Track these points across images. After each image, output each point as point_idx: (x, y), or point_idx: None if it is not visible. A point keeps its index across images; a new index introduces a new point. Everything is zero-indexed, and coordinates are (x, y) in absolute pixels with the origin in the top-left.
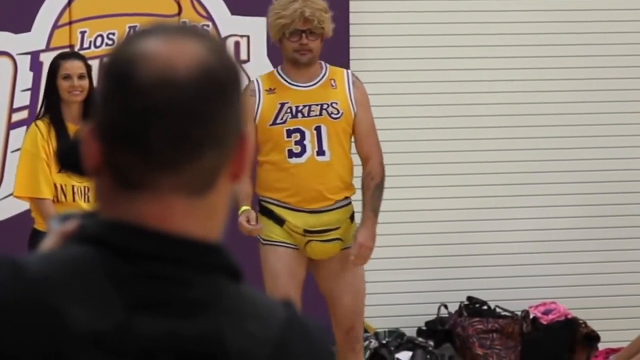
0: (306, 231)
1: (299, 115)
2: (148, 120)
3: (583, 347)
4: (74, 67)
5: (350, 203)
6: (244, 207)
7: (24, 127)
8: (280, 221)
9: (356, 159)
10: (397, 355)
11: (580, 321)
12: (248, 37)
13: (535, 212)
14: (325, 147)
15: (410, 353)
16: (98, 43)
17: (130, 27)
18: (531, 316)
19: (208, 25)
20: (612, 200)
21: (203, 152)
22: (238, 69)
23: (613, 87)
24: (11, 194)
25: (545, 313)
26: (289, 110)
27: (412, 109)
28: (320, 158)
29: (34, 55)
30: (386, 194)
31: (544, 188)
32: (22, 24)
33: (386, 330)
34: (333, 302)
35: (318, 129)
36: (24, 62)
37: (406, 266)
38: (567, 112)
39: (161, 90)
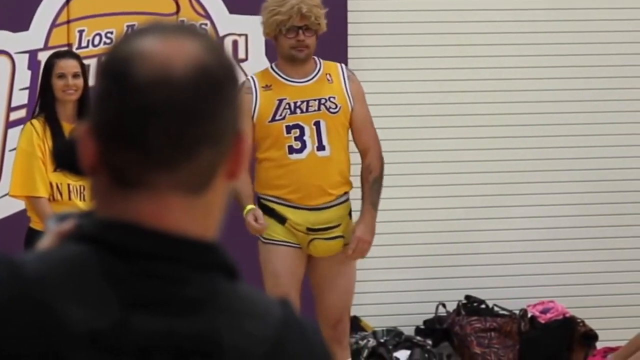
0: (309, 229)
1: (298, 111)
2: (145, 119)
3: (581, 346)
4: (69, 66)
5: (348, 199)
6: (249, 207)
7: (22, 126)
8: (281, 219)
9: (353, 157)
10: (395, 354)
11: (578, 320)
12: (246, 35)
13: (534, 211)
14: (325, 142)
15: (408, 352)
16: (96, 42)
17: (128, 26)
18: (529, 315)
19: (206, 24)
20: (610, 199)
21: (200, 150)
22: (235, 67)
23: (605, 86)
24: (8, 194)
25: (543, 312)
26: (287, 107)
27: (410, 108)
28: (320, 153)
29: (32, 54)
30: (384, 192)
31: (542, 187)
32: (20, 22)
33: (384, 329)
34: (323, 297)
35: (317, 124)
36: (22, 61)
37: (404, 265)
38: (563, 110)
39: (159, 89)
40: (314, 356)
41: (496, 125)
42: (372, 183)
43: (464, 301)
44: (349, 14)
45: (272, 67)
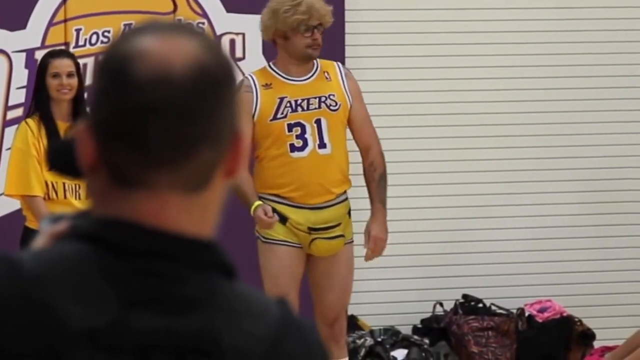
0: (311, 229)
1: (299, 109)
2: (144, 117)
3: (578, 345)
4: (63, 65)
5: (347, 198)
6: (257, 202)
7: (17, 125)
8: (283, 219)
9: (352, 156)
10: (393, 353)
11: (576, 319)
12: (243, 34)
13: (531, 210)
14: (326, 139)
15: (405, 351)
16: (93, 40)
17: (125, 25)
18: (526, 314)
19: (203, 23)
20: (607, 198)
21: (199, 149)
22: (233, 66)
23: (604, 85)
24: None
25: (541, 311)
26: (288, 105)
27: (406, 107)
28: (322, 151)
29: (29, 53)
30: None
31: (539, 186)
32: (17, 21)
33: (381, 328)
34: (320, 296)
35: (318, 121)
36: (19, 60)
37: (401, 264)
38: (559, 109)
39: (158, 87)
40: (311, 356)
41: (493, 124)
42: (379, 180)
43: (462, 300)
44: (346, 12)
45: (270, 66)
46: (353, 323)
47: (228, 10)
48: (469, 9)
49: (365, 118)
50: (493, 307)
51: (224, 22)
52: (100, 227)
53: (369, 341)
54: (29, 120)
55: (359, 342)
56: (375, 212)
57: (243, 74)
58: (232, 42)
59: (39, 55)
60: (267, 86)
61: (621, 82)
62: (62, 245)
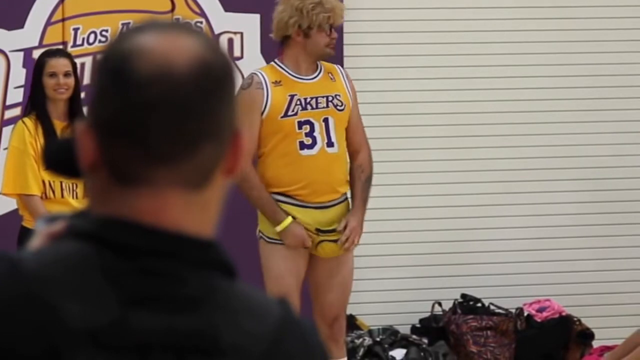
0: (319, 230)
1: (309, 107)
2: (146, 114)
3: (577, 344)
4: (60, 64)
5: (347, 198)
6: (289, 219)
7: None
8: None
9: None
10: (391, 353)
11: (575, 319)
12: (241, 34)
13: (530, 210)
14: (333, 138)
15: (404, 350)
16: (91, 40)
17: (123, 24)
18: (525, 314)
19: (201, 22)
20: (607, 197)
21: (200, 146)
22: (232, 65)
23: (604, 84)
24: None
25: (540, 311)
26: (298, 102)
27: (409, 106)
28: (330, 150)
29: (27, 52)
30: (379, 191)
31: (538, 185)
32: (15, 20)
33: (380, 327)
34: (320, 296)
35: (326, 120)
36: (17, 59)
37: (400, 264)
38: (561, 109)
39: (159, 84)
40: (311, 356)
41: (492, 123)
42: (364, 182)
43: (460, 300)
44: (345, 11)
45: (277, 64)
46: (351, 323)
47: (226, 9)
48: (470, 8)
49: (359, 121)
50: (492, 307)
51: (222, 21)
52: (100, 226)
53: (368, 341)
54: (26, 120)
55: (358, 341)
56: (356, 208)
57: (241, 73)
58: (230, 41)
59: (36, 54)
60: (277, 83)
61: (621, 82)
62: (62, 245)
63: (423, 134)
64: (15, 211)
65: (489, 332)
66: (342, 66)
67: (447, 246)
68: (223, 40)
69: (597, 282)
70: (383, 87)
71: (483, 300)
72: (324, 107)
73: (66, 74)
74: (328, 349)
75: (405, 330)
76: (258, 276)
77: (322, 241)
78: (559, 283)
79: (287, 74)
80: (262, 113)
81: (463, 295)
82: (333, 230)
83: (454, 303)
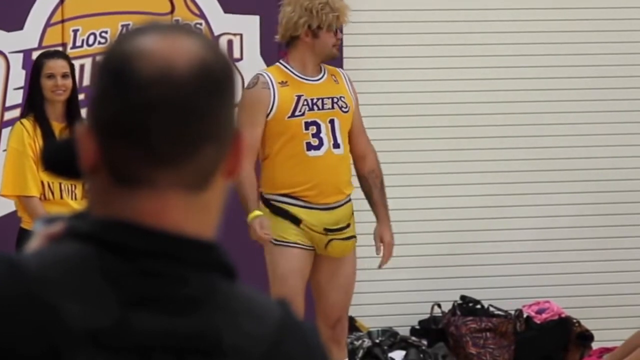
0: (327, 230)
1: (315, 108)
2: (147, 115)
3: (577, 346)
4: (58, 66)
5: (351, 198)
6: (256, 212)
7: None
8: (296, 221)
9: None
10: (391, 355)
11: (574, 320)
12: (241, 35)
13: (529, 212)
14: (339, 140)
15: (403, 352)
16: (91, 41)
17: (122, 26)
18: (525, 315)
19: (201, 24)
20: (606, 199)
21: (201, 147)
22: (233, 67)
23: (601, 86)
24: None
25: (539, 312)
26: (305, 103)
27: (406, 108)
28: (336, 151)
29: (27, 54)
30: None
31: (537, 187)
32: (14, 22)
33: (379, 329)
34: (324, 297)
35: (332, 121)
36: (17, 61)
37: (399, 265)
38: (560, 111)
39: (160, 85)
40: (312, 357)
41: (491, 125)
42: (380, 186)
43: (460, 301)
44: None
45: (283, 65)
46: (351, 324)
47: (225, 10)
48: (469, 9)
49: (362, 125)
50: (491, 308)
51: (222, 23)
52: (100, 227)
53: (367, 342)
54: (24, 121)
55: (357, 343)
56: (383, 218)
57: (241, 75)
58: (230, 43)
59: (36, 55)
60: (283, 84)
61: (624, 83)
62: (61, 246)
63: (423, 136)
64: (14, 213)
65: (488, 334)
66: (341, 67)
67: (446, 248)
68: (222, 42)
69: (597, 284)
70: (383, 89)
71: (482, 301)
72: (329, 109)
73: (64, 76)
74: (329, 351)
75: (404, 331)
76: (259, 278)
77: (332, 240)
78: (559, 285)
79: (293, 74)
80: (269, 114)
81: (462, 297)
82: (341, 229)
83: (454, 305)
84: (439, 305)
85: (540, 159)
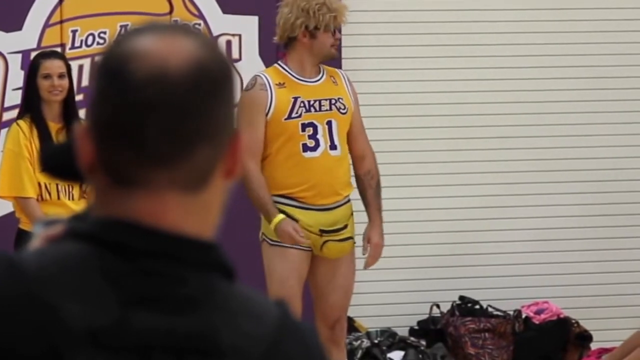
0: (322, 231)
1: (312, 109)
2: (142, 116)
3: (575, 346)
4: (54, 66)
5: (350, 199)
6: (280, 216)
7: (8, 127)
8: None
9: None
10: (389, 355)
11: (573, 321)
12: (240, 36)
13: (528, 212)
14: (336, 141)
15: (402, 353)
16: (89, 42)
17: (121, 26)
18: (523, 316)
19: (199, 24)
20: (605, 199)
21: (197, 147)
22: (231, 67)
23: (604, 87)
24: None
25: (538, 313)
26: (302, 105)
27: (405, 108)
28: (332, 152)
29: (25, 54)
30: None
31: (536, 187)
32: (13, 22)
33: (378, 329)
34: (323, 297)
35: (329, 123)
36: (15, 61)
37: (398, 265)
38: (558, 111)
39: (154, 86)
40: (310, 358)
41: (491, 125)
42: (376, 188)
43: (458, 302)
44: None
45: (281, 66)
46: (350, 324)
47: (224, 11)
48: (468, 10)
49: (362, 126)
50: (490, 309)
51: (220, 23)
52: (99, 227)
53: (366, 343)
54: (21, 122)
55: (356, 343)
56: (374, 219)
57: (240, 76)
58: (229, 43)
59: None
60: (280, 85)
61: (624, 84)
62: (61, 245)
63: (422, 137)
64: (11, 214)
65: (487, 334)
66: (340, 68)
67: (445, 248)
68: (221, 43)
69: (596, 284)
70: (381, 90)
71: (481, 302)
72: (327, 110)
73: (60, 76)
74: (329, 351)
75: (403, 332)
76: (258, 278)
77: (327, 241)
78: (557, 285)
79: (290, 75)
80: (267, 115)
81: (461, 297)
82: (337, 230)
83: (452, 305)
84: (438, 306)
85: (539, 160)
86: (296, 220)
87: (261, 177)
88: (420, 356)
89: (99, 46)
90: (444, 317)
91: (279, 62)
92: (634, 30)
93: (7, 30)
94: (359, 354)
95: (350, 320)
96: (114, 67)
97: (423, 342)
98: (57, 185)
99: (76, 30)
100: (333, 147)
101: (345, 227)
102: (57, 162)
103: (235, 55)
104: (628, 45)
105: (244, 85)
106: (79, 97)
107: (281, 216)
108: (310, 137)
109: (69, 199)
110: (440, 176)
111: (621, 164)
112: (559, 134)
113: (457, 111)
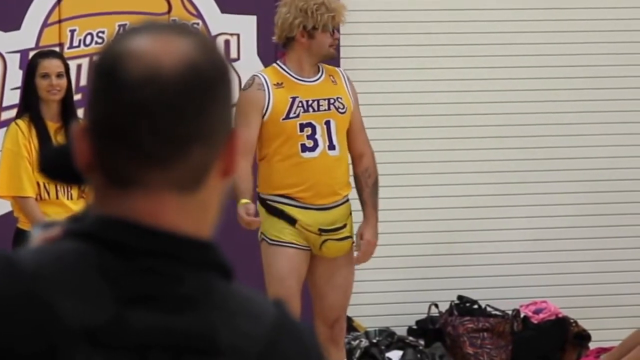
0: (321, 230)
1: (310, 109)
2: (135, 116)
3: (574, 346)
4: (52, 65)
5: (349, 199)
6: (243, 200)
7: (7, 127)
8: (291, 220)
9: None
10: (388, 355)
11: (571, 320)
12: (238, 35)
13: (527, 212)
14: (335, 141)
15: (400, 352)
16: (88, 41)
17: (120, 25)
18: (522, 315)
19: (198, 24)
20: (603, 199)
21: (192, 148)
22: (227, 66)
23: (600, 86)
24: None
25: (536, 312)
26: (300, 104)
27: (404, 107)
28: (331, 152)
29: (24, 54)
30: None
31: (534, 187)
32: (11, 22)
33: (377, 329)
34: (322, 297)
35: (328, 123)
36: (14, 61)
37: (397, 265)
38: (556, 111)
39: (147, 86)
40: (308, 357)
41: (488, 125)
42: (372, 187)
43: (457, 301)
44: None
45: (279, 66)
46: (348, 324)
47: (223, 10)
48: (466, 9)
49: (361, 125)
50: (488, 308)
51: (219, 23)
52: (97, 226)
53: (364, 342)
54: (19, 121)
55: (354, 343)
56: (369, 217)
57: (238, 75)
58: (227, 43)
59: None
60: (278, 85)
61: (620, 83)
62: (59, 244)
63: (420, 136)
64: (10, 213)
65: (485, 334)
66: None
67: (443, 248)
68: (220, 42)
69: (594, 284)
70: (379, 89)
71: (479, 301)
72: (325, 110)
73: (59, 75)
74: (327, 351)
75: (401, 331)
76: (257, 278)
77: (326, 240)
78: (556, 285)
79: (289, 75)
80: (264, 115)
81: (459, 297)
82: (336, 229)
83: (451, 305)
84: (436, 305)
85: (536, 159)
86: (295, 220)
87: (247, 171)
88: (419, 356)
89: (97, 46)
90: (443, 317)
91: (278, 61)
92: (629, 30)
93: (5, 30)
94: (358, 353)
95: (349, 320)
96: (108, 67)
97: (421, 342)
98: (56, 185)
99: (74, 30)
100: (331, 147)
101: (344, 226)
102: (55, 165)
103: (233, 54)
104: (623, 45)
105: (242, 85)
106: (77, 97)
107: (244, 201)
108: (308, 137)
109: (67, 198)
110: (439, 175)
111: (618, 163)
112: (555, 133)
113: (455, 111)
